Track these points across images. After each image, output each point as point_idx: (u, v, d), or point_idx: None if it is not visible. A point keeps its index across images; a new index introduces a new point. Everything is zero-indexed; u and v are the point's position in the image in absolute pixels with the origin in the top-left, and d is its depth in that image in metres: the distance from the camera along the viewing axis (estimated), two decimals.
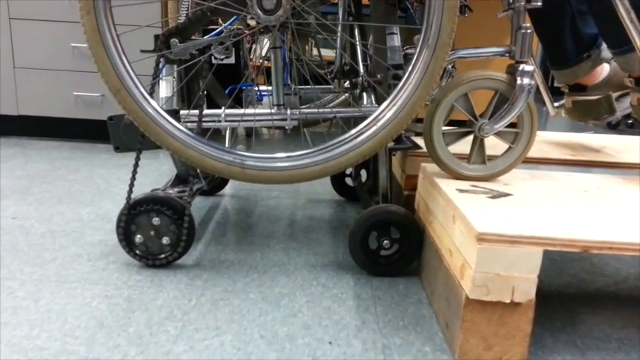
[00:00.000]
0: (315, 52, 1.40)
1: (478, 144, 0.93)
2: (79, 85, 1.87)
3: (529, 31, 0.88)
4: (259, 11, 0.82)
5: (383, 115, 0.88)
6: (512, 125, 0.93)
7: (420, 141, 1.13)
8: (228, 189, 1.47)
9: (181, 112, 0.96)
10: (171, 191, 1.05)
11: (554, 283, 1.01)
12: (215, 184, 1.41)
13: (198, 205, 1.33)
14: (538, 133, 1.47)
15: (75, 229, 1.13)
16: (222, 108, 0.96)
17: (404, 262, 0.98)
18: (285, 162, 0.90)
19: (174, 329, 0.77)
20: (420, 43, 0.84)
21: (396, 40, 1.06)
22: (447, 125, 0.94)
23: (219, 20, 0.90)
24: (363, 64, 1.05)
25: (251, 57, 1.39)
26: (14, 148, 1.82)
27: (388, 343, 0.77)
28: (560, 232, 0.70)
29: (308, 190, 1.52)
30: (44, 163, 1.65)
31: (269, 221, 1.25)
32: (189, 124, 0.95)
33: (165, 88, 0.99)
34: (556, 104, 1.33)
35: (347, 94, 1.38)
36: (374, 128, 0.89)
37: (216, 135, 0.97)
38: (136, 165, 0.94)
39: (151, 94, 0.86)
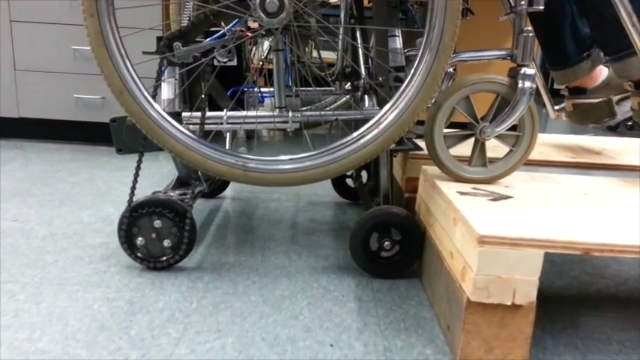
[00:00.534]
0: (315, 54, 1.40)
1: (479, 147, 0.94)
2: (79, 87, 1.87)
3: (531, 34, 0.88)
4: (262, 14, 0.83)
5: (385, 118, 0.88)
6: (513, 128, 0.93)
7: (421, 143, 1.13)
8: (229, 191, 1.47)
9: (183, 114, 0.96)
10: (172, 194, 1.05)
11: (555, 284, 1.02)
12: (216, 186, 1.41)
13: (200, 208, 1.33)
14: (538, 135, 1.47)
15: (76, 231, 1.13)
16: (224, 110, 0.96)
17: (405, 264, 0.98)
18: (287, 164, 0.90)
19: (176, 332, 0.77)
20: (423, 45, 0.84)
21: (397, 43, 1.06)
22: (448, 128, 0.94)
23: (222, 23, 0.90)
24: (365, 67, 1.05)
25: (252, 59, 1.39)
26: (15, 151, 1.82)
27: (389, 345, 0.77)
28: (561, 234, 0.70)
29: (309, 192, 1.52)
30: (45, 165, 1.65)
31: (270, 224, 1.25)
32: (191, 126, 0.95)
33: (168, 90, 1.00)
34: (557, 107, 1.34)
35: (348, 96, 1.38)
36: (376, 131, 0.89)
37: (217, 137, 0.97)
38: (138, 167, 0.94)
39: (154, 97, 0.86)
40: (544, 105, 1.33)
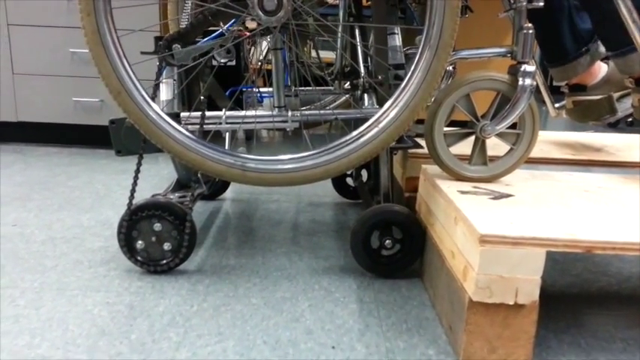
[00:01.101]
0: (314, 53, 1.40)
1: (480, 145, 0.93)
2: (78, 90, 1.87)
3: (531, 31, 0.88)
4: (260, 12, 0.82)
5: (384, 117, 0.88)
6: (513, 126, 0.92)
7: (421, 141, 1.13)
8: (229, 193, 1.47)
9: (182, 114, 0.95)
10: (172, 196, 1.05)
11: (558, 283, 1.01)
12: (216, 188, 1.41)
13: (199, 210, 1.33)
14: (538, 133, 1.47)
15: (75, 235, 1.13)
16: (223, 110, 0.95)
17: (405, 262, 0.97)
18: (286, 164, 0.90)
19: (177, 336, 0.77)
20: (422, 43, 0.84)
21: (397, 40, 1.06)
22: (448, 126, 0.94)
23: (220, 23, 0.90)
24: (364, 66, 1.05)
25: (251, 59, 1.39)
26: (14, 155, 1.82)
27: (392, 346, 0.77)
28: (562, 232, 0.70)
29: (309, 192, 1.51)
30: (44, 169, 1.65)
31: (270, 225, 1.24)
32: (189, 126, 0.95)
33: (166, 90, 0.99)
34: (557, 105, 1.33)
35: (348, 96, 1.38)
36: (375, 130, 0.89)
37: (216, 138, 0.96)
38: (138, 170, 0.94)
39: (153, 98, 0.86)
40: (544, 103, 1.33)
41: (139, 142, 0.94)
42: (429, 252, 0.95)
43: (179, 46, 0.84)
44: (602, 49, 1.18)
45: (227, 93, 1.03)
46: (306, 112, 0.94)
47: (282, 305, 0.87)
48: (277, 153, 0.90)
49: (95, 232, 1.15)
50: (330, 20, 1.24)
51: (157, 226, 0.93)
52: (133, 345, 0.74)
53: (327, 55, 1.66)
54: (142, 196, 0.98)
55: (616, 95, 1.18)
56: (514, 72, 0.90)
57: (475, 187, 0.91)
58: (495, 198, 0.85)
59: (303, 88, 1.35)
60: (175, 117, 0.93)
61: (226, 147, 1.16)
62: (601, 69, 1.22)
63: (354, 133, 0.88)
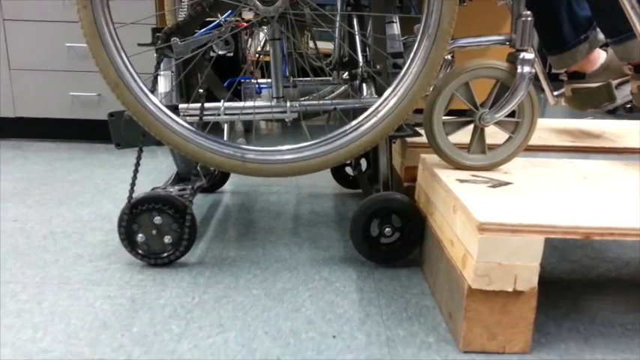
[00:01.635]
0: (312, 44, 1.39)
1: (478, 133, 0.93)
2: (75, 85, 1.86)
3: (529, 19, 0.87)
4: (258, 2, 0.82)
5: (383, 107, 0.88)
6: (512, 114, 0.92)
7: (420, 130, 1.12)
8: (228, 185, 1.47)
9: (180, 105, 0.95)
10: (171, 189, 1.05)
11: (557, 270, 1.01)
12: (215, 180, 1.41)
13: (199, 203, 1.33)
14: (537, 120, 1.47)
15: (76, 230, 1.13)
16: (222, 101, 0.95)
17: (405, 251, 0.97)
18: (286, 155, 0.90)
19: (178, 328, 0.77)
20: (421, 32, 0.84)
21: (395, 29, 1.06)
22: (447, 115, 0.94)
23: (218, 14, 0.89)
24: (362, 55, 1.04)
25: (249, 50, 1.38)
26: (13, 151, 1.82)
27: (392, 335, 0.77)
28: (561, 219, 0.70)
29: (308, 183, 1.51)
30: (43, 164, 1.65)
31: (270, 216, 1.25)
32: (188, 117, 0.95)
33: (164, 82, 0.99)
34: (556, 93, 1.33)
35: (346, 86, 1.38)
36: (374, 119, 0.89)
37: (215, 129, 0.96)
38: (138, 163, 0.94)
39: (152, 91, 0.85)
40: (543, 90, 1.32)
41: (138, 135, 0.94)
42: (428, 241, 0.95)
43: (177, 39, 0.84)
44: (600, 36, 1.18)
45: (225, 84, 1.02)
46: (305, 103, 0.94)
47: (282, 296, 0.88)
48: (276, 144, 0.90)
49: (95, 226, 1.16)
50: (327, 10, 1.23)
51: (158, 220, 0.93)
52: (134, 337, 0.75)
53: (324, 45, 1.65)
54: (141, 189, 0.98)
55: (615, 82, 1.18)
56: (513, 60, 0.89)
57: (474, 176, 0.91)
58: (494, 186, 0.85)
59: (301, 78, 1.35)
60: (174, 109, 0.93)
61: (225, 138, 1.16)
62: (600, 56, 1.22)
63: (353, 122, 0.88)
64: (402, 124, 1.03)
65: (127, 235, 0.94)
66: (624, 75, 1.15)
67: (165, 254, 0.95)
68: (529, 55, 0.87)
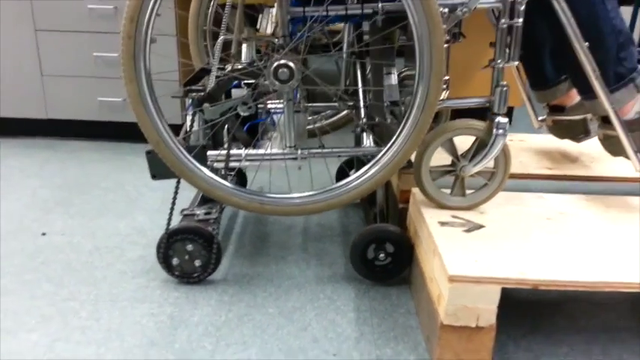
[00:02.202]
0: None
1: (459, 181, 1.10)
2: (102, 90, 2.02)
3: (505, 88, 1.02)
4: (275, 81, 0.98)
5: (379, 162, 1.05)
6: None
7: None
8: None
9: (209, 152, 1.12)
10: (198, 212, 1.23)
11: (524, 289, 1.19)
12: None
13: None
14: (522, 137, 1.62)
15: (116, 244, 1.33)
16: (243, 149, 1.12)
17: (395, 272, 1.16)
18: (299, 199, 1.08)
19: (210, 345, 0.97)
20: (411, 103, 0.99)
21: (392, 79, 1.20)
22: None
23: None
24: (364, 107, 1.20)
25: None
26: (47, 151, 2.00)
27: (381, 353, 0.97)
28: (514, 272, 0.88)
29: None
30: (77, 168, 1.83)
31: (282, 229, 1.43)
32: (215, 163, 1.12)
33: (197, 134, 1.16)
34: (540, 118, 1.47)
35: (349, 111, 1.53)
36: (371, 172, 1.06)
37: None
38: (175, 197, 1.12)
39: (186, 148, 1.03)
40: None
41: (172, 170, 1.11)
42: (416, 267, 1.13)
43: (208, 105, 1.01)
44: None
45: (245, 128, 1.19)
46: (313, 151, 1.11)
47: (292, 315, 1.07)
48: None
49: (132, 240, 1.35)
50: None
51: (189, 247, 1.12)
52: (177, 353, 0.95)
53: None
54: (167, 198, 1.14)
55: (590, 117, 1.33)
56: (491, 119, 1.05)
57: (454, 217, 1.08)
58: (469, 230, 1.02)
59: (310, 104, 1.50)
60: (203, 155, 1.10)
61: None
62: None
63: (353, 176, 1.05)
64: None
65: (164, 259, 1.13)
66: None
67: (196, 274, 1.15)
68: (503, 120, 1.03)
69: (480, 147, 1.06)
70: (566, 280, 0.87)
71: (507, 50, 1.01)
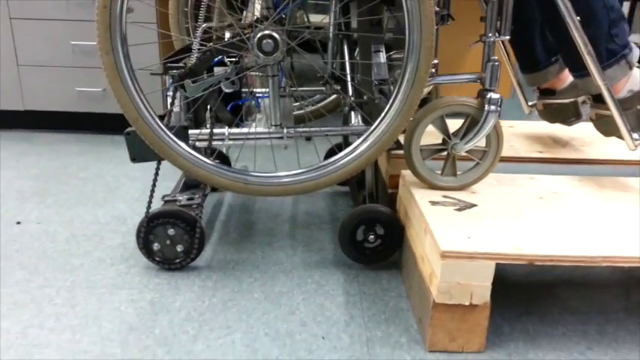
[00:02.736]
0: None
1: (450, 160, 1.07)
2: (80, 80, 1.96)
3: (496, 63, 0.99)
4: (259, 53, 0.94)
5: (367, 139, 1.01)
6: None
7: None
8: None
9: (191, 131, 1.08)
10: (180, 197, 1.18)
11: (518, 272, 1.17)
12: None
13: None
14: (511, 123, 1.60)
15: (95, 232, 1.27)
16: (226, 128, 1.08)
17: (385, 255, 1.12)
18: (283, 179, 1.04)
19: (193, 329, 0.93)
20: (400, 77, 0.96)
21: (381, 57, 1.17)
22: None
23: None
24: (352, 85, 1.17)
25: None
26: (24, 144, 1.93)
27: (371, 335, 0.93)
28: (509, 247, 0.85)
29: None
30: (55, 160, 1.77)
31: (268, 217, 1.39)
32: (197, 142, 1.08)
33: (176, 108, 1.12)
34: (530, 103, 1.45)
35: (337, 95, 1.50)
36: (360, 149, 1.02)
37: None
38: (155, 179, 1.07)
39: (167, 126, 0.98)
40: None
41: (152, 151, 1.06)
42: (406, 249, 1.10)
43: (190, 81, 0.96)
44: None
45: (228, 108, 1.15)
46: (300, 130, 1.07)
47: (279, 299, 1.03)
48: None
49: (112, 228, 1.30)
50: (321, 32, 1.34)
51: (171, 231, 1.07)
52: (157, 339, 0.90)
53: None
54: (147, 189, 1.08)
55: (580, 100, 1.31)
56: (482, 96, 1.02)
57: (445, 197, 1.05)
58: (460, 209, 0.99)
59: (296, 88, 1.46)
60: (185, 135, 1.05)
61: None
62: (569, 76, 1.34)
63: (342, 153, 1.01)
64: None
65: (145, 244, 1.08)
66: None
67: (178, 260, 1.10)
68: (495, 95, 1.00)
69: (472, 124, 1.04)
70: (564, 255, 0.84)
71: (498, 24, 0.99)
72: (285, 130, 1.08)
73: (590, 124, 1.37)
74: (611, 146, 1.40)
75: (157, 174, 1.08)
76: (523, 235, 0.89)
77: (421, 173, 1.07)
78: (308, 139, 1.85)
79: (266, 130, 1.08)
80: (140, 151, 1.13)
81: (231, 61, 1.04)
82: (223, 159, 1.49)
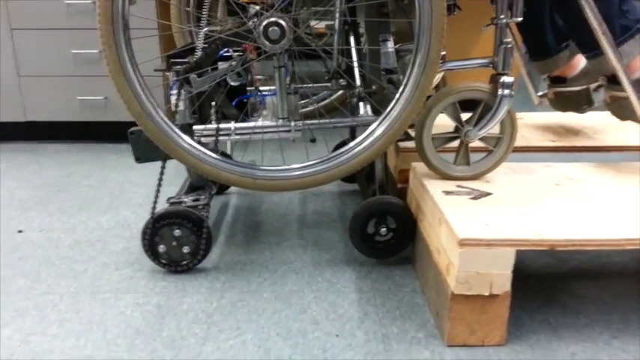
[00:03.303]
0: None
1: (463, 148, 1.03)
2: (82, 89, 1.94)
3: (509, 46, 0.96)
4: (265, 41, 0.91)
5: (378, 128, 0.98)
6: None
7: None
8: (234, 187, 1.57)
9: (195, 127, 1.05)
10: (186, 199, 1.15)
11: (535, 264, 1.13)
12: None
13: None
14: (520, 115, 1.56)
15: (98, 238, 1.24)
16: (232, 123, 1.05)
17: (397, 248, 1.09)
18: (295, 171, 1.00)
19: (201, 331, 0.89)
20: (411, 62, 0.93)
21: (389, 46, 1.14)
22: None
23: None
24: (359, 74, 1.14)
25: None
26: (26, 155, 1.91)
27: (387, 332, 0.89)
28: (530, 233, 0.81)
29: None
30: (57, 169, 1.74)
31: (275, 218, 1.36)
32: (203, 138, 1.05)
33: (181, 106, 1.09)
34: (539, 93, 1.42)
35: (343, 91, 1.47)
36: (371, 139, 0.99)
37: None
38: (160, 179, 1.04)
39: (173, 122, 0.95)
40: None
41: (157, 151, 1.04)
42: (419, 243, 1.06)
43: (195, 76, 0.94)
44: None
45: (233, 103, 1.12)
46: (308, 122, 1.04)
47: (290, 298, 0.99)
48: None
49: (116, 233, 1.27)
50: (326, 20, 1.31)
51: (177, 232, 1.04)
52: (165, 342, 0.86)
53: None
54: (151, 194, 1.06)
55: (592, 86, 1.28)
56: (495, 81, 0.99)
57: (459, 187, 1.01)
58: (475, 198, 0.96)
59: (301, 85, 1.43)
60: (190, 132, 1.02)
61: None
62: (580, 62, 1.30)
63: (352, 143, 0.98)
64: None
65: (150, 247, 1.05)
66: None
67: (185, 262, 1.07)
68: (509, 79, 0.97)
69: (485, 110, 1.00)
70: (587, 239, 0.80)
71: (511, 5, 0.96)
72: (292, 123, 1.05)
73: (602, 113, 1.34)
74: (625, 133, 1.36)
75: (162, 173, 1.05)
76: (543, 221, 0.86)
77: (433, 163, 1.04)
78: (312, 140, 1.84)
79: (273, 123, 1.05)
80: (145, 151, 1.10)
81: (236, 51, 1.01)
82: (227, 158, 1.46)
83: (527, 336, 0.88)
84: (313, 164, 1.00)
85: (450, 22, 1.14)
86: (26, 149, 1.99)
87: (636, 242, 0.81)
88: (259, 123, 1.05)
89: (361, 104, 1.10)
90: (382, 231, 1.06)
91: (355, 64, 1.16)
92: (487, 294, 0.82)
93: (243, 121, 1.11)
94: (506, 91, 0.96)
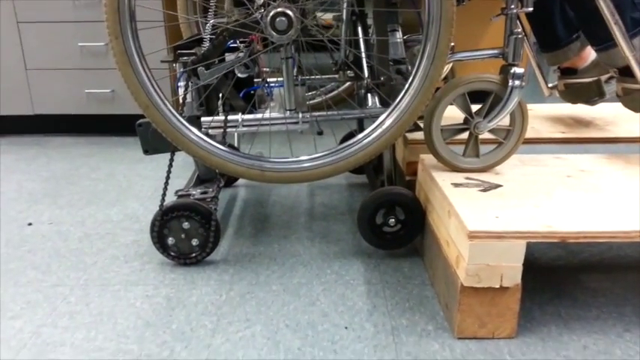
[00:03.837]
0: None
1: (473, 140, 1.02)
2: (89, 82, 1.95)
3: (520, 36, 0.95)
4: (273, 32, 0.91)
5: (387, 120, 0.97)
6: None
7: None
8: (242, 180, 1.57)
9: (203, 119, 1.04)
10: (194, 192, 1.15)
11: (545, 256, 1.12)
12: (230, 176, 1.51)
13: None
14: (530, 107, 1.55)
15: (108, 230, 1.25)
16: (239, 114, 1.05)
17: (406, 239, 1.08)
18: (302, 164, 1.00)
19: (211, 323, 0.89)
20: (420, 53, 0.92)
21: (397, 37, 1.13)
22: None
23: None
24: (367, 66, 1.13)
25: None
26: (35, 148, 1.92)
27: (396, 324, 0.89)
28: (540, 225, 0.80)
29: None
30: (66, 162, 1.75)
31: (283, 210, 1.35)
32: (211, 130, 1.04)
33: (188, 98, 1.08)
34: (550, 85, 1.41)
35: (350, 83, 1.46)
36: (379, 131, 0.98)
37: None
38: (169, 171, 1.04)
39: (181, 114, 0.95)
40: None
41: (165, 143, 1.03)
42: (428, 235, 1.05)
43: (203, 68, 0.93)
44: None
45: (241, 94, 1.11)
46: (315, 114, 1.03)
47: (299, 290, 0.99)
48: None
49: (125, 226, 1.27)
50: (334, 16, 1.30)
51: (186, 225, 1.04)
52: (174, 334, 0.87)
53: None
54: (160, 184, 1.06)
55: (603, 78, 1.26)
56: (505, 72, 0.98)
57: (468, 179, 1.00)
58: (485, 190, 0.95)
59: (309, 77, 1.43)
60: (197, 124, 1.02)
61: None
62: (591, 53, 1.29)
63: (361, 135, 0.97)
64: None
65: (159, 239, 1.05)
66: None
67: (193, 255, 1.07)
68: (519, 70, 0.95)
69: (495, 101, 0.99)
70: (598, 231, 0.79)
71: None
72: (300, 115, 1.04)
73: (613, 104, 1.32)
74: (636, 124, 1.35)
75: (170, 165, 1.05)
76: (553, 213, 0.85)
77: (442, 155, 1.03)
78: (319, 133, 1.83)
79: (281, 115, 1.04)
80: (153, 143, 1.10)
81: (243, 42, 1.01)
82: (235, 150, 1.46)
83: (538, 329, 0.88)
84: (321, 156, 0.99)
85: (459, 12, 1.13)
86: (34, 142, 1.99)
87: None
88: (267, 115, 1.05)
89: (369, 95, 1.09)
90: (391, 222, 1.05)
91: (363, 55, 1.15)
92: (497, 286, 0.81)
93: (251, 112, 1.10)
94: (517, 82, 0.95)
